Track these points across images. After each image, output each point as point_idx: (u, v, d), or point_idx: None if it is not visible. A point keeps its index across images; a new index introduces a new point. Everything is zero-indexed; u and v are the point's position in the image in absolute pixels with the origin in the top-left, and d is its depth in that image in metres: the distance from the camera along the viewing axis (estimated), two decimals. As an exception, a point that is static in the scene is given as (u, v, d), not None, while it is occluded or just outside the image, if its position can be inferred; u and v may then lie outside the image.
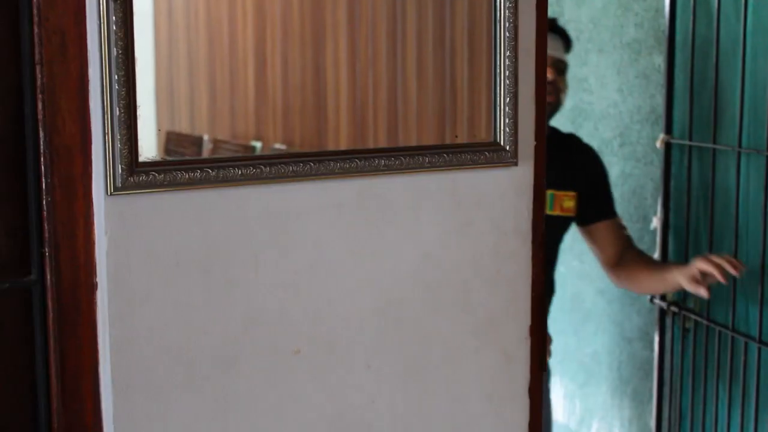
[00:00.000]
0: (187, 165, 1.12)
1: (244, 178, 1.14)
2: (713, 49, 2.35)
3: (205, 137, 1.17)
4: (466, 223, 1.26)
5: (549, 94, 2.29)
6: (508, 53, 1.25)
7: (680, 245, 2.54)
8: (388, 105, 1.21)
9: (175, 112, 1.15)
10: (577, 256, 3.03)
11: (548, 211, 2.31)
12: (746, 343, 2.27)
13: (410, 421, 1.25)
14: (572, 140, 2.53)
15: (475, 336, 1.29)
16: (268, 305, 1.17)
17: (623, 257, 2.41)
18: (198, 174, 1.12)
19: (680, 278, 2.18)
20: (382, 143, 1.22)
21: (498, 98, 1.26)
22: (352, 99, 1.20)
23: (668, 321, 2.56)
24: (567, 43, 2.51)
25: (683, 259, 2.51)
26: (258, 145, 1.19)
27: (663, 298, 2.58)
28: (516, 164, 1.28)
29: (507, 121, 1.26)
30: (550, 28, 2.34)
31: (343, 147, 1.20)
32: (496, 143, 1.26)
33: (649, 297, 2.64)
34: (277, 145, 1.20)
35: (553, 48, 2.34)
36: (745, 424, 2.30)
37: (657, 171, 2.60)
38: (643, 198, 2.71)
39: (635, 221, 2.75)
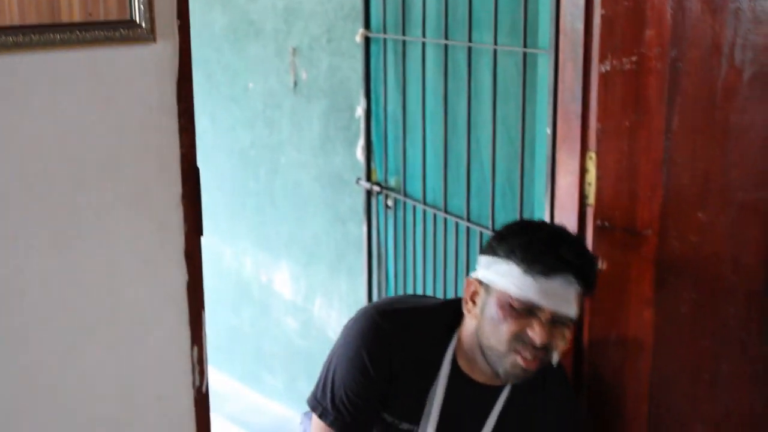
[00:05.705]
0: None
1: None
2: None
3: None
4: (108, 99, 1.33)
5: (534, 359, 1.61)
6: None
7: (380, 130, 2.74)
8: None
9: None
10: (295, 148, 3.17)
11: None
12: (434, 214, 2.52)
13: (64, 292, 1.32)
14: (551, 390, 1.75)
15: (126, 206, 1.37)
16: None
17: None
18: None
19: None
20: (16, 20, 1.24)
21: (131, -24, 1.31)
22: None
23: (373, 200, 2.78)
24: (588, 287, 1.63)
25: (383, 143, 2.71)
26: None
27: (369, 179, 2.78)
28: (154, 41, 1.35)
29: (141, -1, 1.32)
30: (565, 265, 1.56)
31: (17, 22, 1.19)
32: (131, 20, 1.33)
33: (356, 179, 2.83)
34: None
35: (561, 298, 1.56)
36: (437, 280, 2.57)
37: (359, 64, 2.76)
38: (349, 89, 2.87)
39: (343, 110, 2.92)
